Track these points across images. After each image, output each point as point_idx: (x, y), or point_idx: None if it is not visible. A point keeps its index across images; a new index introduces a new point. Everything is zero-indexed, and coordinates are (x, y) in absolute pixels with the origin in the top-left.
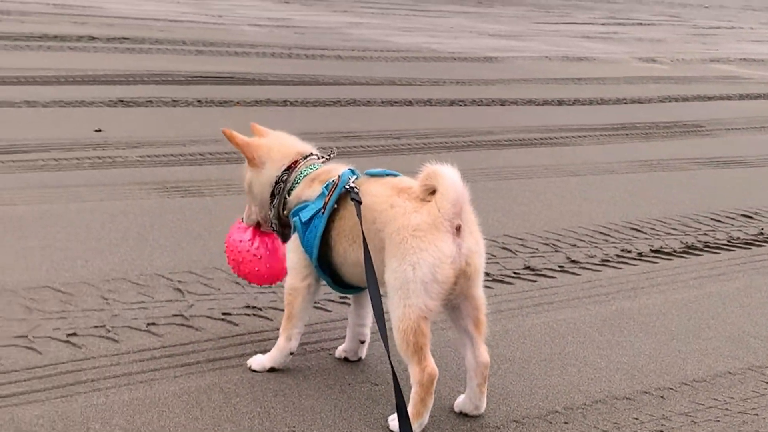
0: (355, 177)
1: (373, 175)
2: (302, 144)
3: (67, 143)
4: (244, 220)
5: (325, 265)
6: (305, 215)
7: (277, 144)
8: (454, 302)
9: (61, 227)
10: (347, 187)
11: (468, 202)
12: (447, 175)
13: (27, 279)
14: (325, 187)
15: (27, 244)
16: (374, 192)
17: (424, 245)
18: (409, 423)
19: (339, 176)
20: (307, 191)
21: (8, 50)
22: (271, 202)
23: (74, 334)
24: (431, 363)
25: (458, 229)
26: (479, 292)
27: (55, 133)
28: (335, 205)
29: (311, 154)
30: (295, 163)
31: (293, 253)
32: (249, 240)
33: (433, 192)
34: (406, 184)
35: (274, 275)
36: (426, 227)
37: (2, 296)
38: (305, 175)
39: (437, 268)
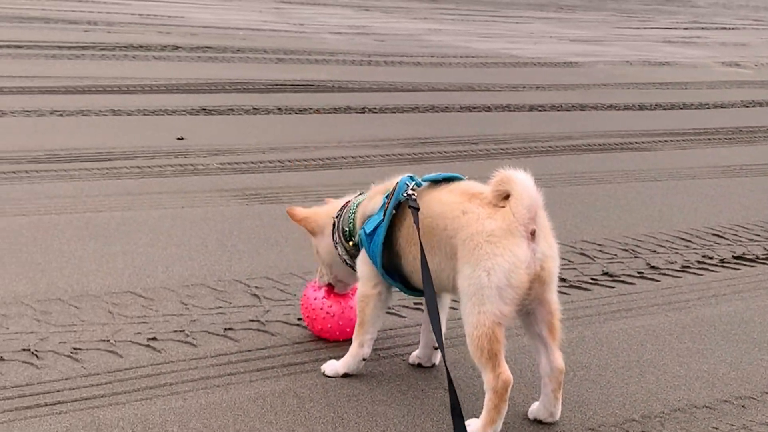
0: (414, 183)
1: (431, 181)
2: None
3: (150, 151)
4: (317, 280)
5: (394, 272)
6: (369, 227)
7: (328, 207)
8: (528, 307)
9: (143, 233)
10: (404, 195)
11: (542, 207)
12: (521, 179)
13: (110, 284)
14: (386, 197)
15: (110, 250)
16: (444, 199)
17: (499, 251)
18: (463, 423)
19: (396, 183)
20: (370, 205)
21: (96, 60)
22: (336, 245)
23: (154, 339)
24: (506, 370)
25: (533, 234)
26: (553, 296)
27: (139, 141)
28: (396, 213)
29: (362, 192)
30: (346, 204)
31: (362, 263)
32: (323, 298)
33: (506, 197)
34: (477, 190)
35: (345, 333)
36: (501, 233)
37: (86, 301)
38: (358, 204)
39: (512, 273)
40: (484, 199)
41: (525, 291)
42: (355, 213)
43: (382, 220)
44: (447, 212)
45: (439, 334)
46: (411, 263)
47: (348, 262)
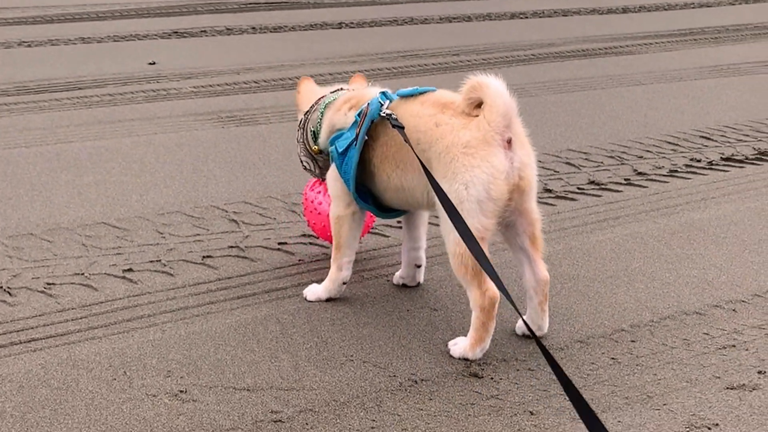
0: (388, 102)
1: (405, 96)
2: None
3: (121, 78)
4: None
5: (365, 192)
6: (341, 145)
7: (308, 91)
8: (509, 219)
9: (116, 162)
10: (383, 113)
11: (516, 114)
12: (493, 86)
13: (83, 216)
14: (358, 114)
15: (82, 181)
16: (416, 112)
17: (476, 162)
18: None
19: (368, 104)
20: (339, 116)
21: None
22: (298, 144)
23: (130, 270)
24: (492, 286)
25: (509, 142)
26: (533, 206)
27: (110, 68)
28: (372, 134)
29: (341, 89)
30: (318, 101)
31: (334, 181)
32: (317, 193)
33: (479, 105)
34: (449, 99)
35: (327, 235)
36: (476, 143)
37: (58, 234)
38: (328, 104)
39: (491, 184)
40: (457, 109)
41: (505, 202)
42: (323, 115)
43: (355, 140)
44: (420, 125)
45: (489, 266)
46: (385, 182)
47: (307, 167)
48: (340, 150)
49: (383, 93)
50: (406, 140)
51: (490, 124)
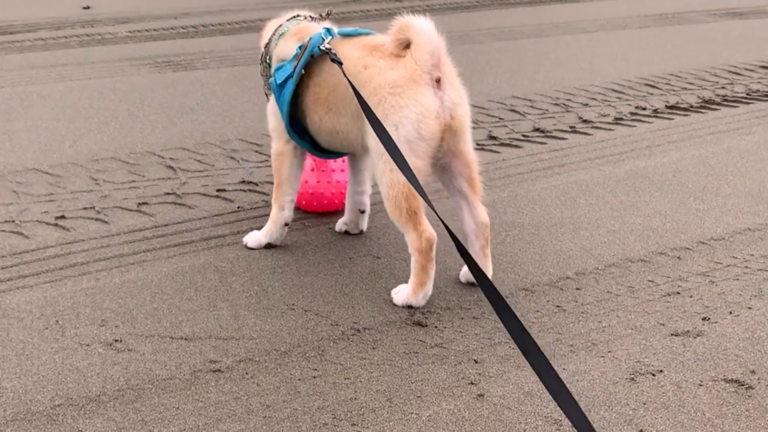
0: (330, 38)
1: (346, 35)
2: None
3: (54, 22)
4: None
5: (302, 129)
6: (279, 77)
7: (270, 24)
8: (443, 161)
9: (48, 108)
10: (323, 48)
11: (446, 53)
12: (420, 25)
13: (13, 162)
14: (299, 47)
15: (13, 127)
16: (346, 54)
17: (404, 102)
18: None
19: (309, 39)
20: (283, 47)
21: None
22: (262, 76)
23: (63, 217)
24: (428, 227)
25: (438, 81)
26: (468, 147)
27: (42, 12)
28: (308, 70)
29: (297, 15)
30: (281, 25)
31: (273, 116)
32: (310, 169)
33: (407, 46)
34: (378, 42)
35: (311, 206)
36: (404, 82)
37: None
38: (282, 34)
39: (421, 124)
40: (386, 51)
41: (437, 142)
42: (276, 44)
43: (292, 74)
44: (349, 68)
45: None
46: (317, 124)
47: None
48: (278, 81)
49: (327, 29)
50: (345, 76)
51: (417, 63)
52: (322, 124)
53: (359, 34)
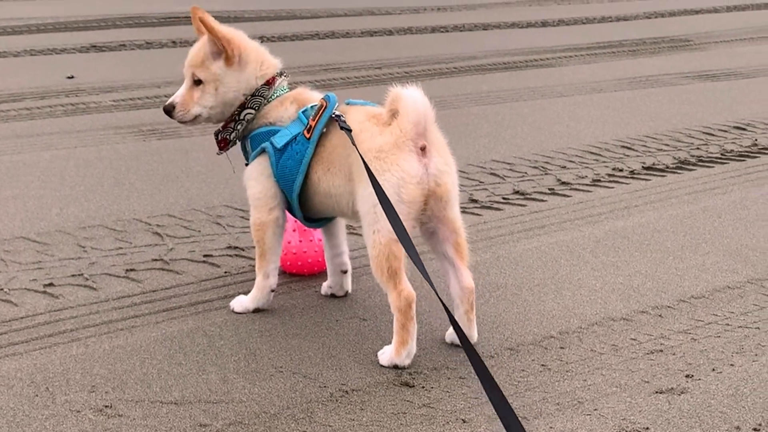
0: (337, 104)
1: (351, 104)
2: (270, 56)
3: (39, 92)
4: (177, 107)
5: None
6: (279, 141)
7: (254, 48)
8: (430, 227)
9: (35, 176)
10: (333, 114)
11: (433, 122)
12: (408, 94)
13: (1, 230)
14: (303, 112)
15: (0, 195)
16: (351, 119)
17: (387, 166)
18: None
19: (326, 100)
20: (275, 113)
21: None
22: (239, 113)
23: (51, 284)
24: (407, 286)
25: (423, 149)
26: (455, 214)
27: (27, 82)
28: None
29: (284, 72)
30: (274, 78)
31: (257, 182)
32: (291, 230)
33: (397, 114)
34: (378, 111)
35: (296, 266)
36: (388, 148)
37: None
38: (278, 96)
39: (402, 188)
40: (381, 119)
41: (419, 207)
42: (268, 103)
43: (305, 135)
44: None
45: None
46: (314, 184)
47: (222, 137)
48: (278, 145)
49: (328, 95)
50: (353, 143)
51: (402, 131)
52: (319, 184)
53: (362, 105)
